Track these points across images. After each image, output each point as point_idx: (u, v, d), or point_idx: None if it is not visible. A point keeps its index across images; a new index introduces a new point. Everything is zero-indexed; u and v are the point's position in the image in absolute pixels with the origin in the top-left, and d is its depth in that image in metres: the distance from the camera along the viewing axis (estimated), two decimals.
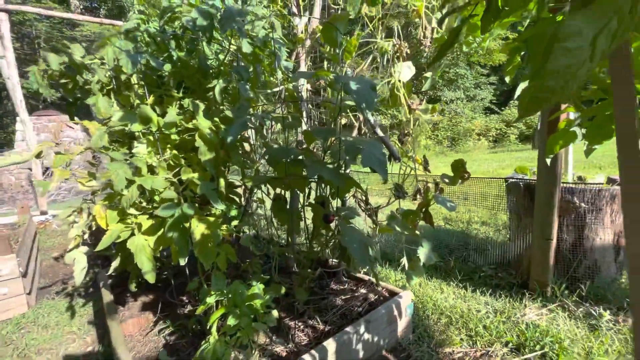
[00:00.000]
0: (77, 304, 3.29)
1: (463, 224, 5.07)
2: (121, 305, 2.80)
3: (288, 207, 2.39)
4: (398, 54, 2.51)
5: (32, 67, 2.30)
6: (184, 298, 2.82)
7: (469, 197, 4.31)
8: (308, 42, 2.98)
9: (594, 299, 2.96)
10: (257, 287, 2.18)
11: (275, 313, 2.27)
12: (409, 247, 2.29)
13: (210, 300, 2.09)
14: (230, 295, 2.12)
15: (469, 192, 4.31)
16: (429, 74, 2.66)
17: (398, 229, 2.39)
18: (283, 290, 2.42)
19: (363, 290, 2.95)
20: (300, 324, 2.57)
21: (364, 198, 2.56)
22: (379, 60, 2.67)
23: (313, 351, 2.16)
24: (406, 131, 2.47)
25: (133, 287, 2.52)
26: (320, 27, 2.42)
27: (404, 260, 2.39)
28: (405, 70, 2.51)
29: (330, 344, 2.21)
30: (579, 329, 2.61)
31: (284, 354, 2.29)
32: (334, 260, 3.19)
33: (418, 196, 2.49)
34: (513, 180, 3.48)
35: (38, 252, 4.60)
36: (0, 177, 10.05)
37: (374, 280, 3.00)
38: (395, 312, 2.64)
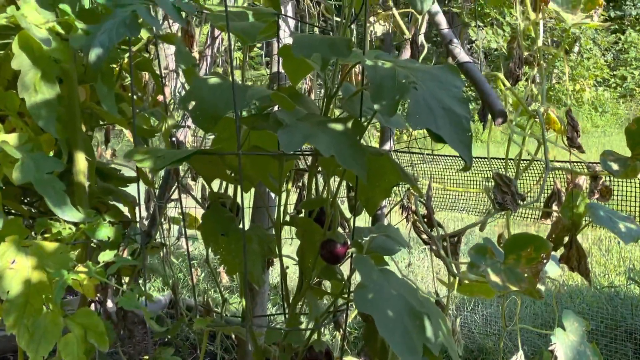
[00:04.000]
0: None
1: None
2: None
3: (241, 225, 1.17)
4: None
5: None
6: None
7: None
8: None
9: None
10: None
11: None
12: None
13: None
14: None
15: None
16: None
17: (494, 279, 1.14)
18: None
19: None
20: None
21: (421, 209, 1.33)
22: None
23: None
24: (526, 53, 1.28)
25: None
26: None
27: None
28: None
29: None
30: None
31: None
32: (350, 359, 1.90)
33: (554, 207, 1.23)
34: None
35: None
36: None
37: None
38: None
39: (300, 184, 1.67)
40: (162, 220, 1.81)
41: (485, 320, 2.79)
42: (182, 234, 1.81)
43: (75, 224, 1.08)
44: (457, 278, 1.49)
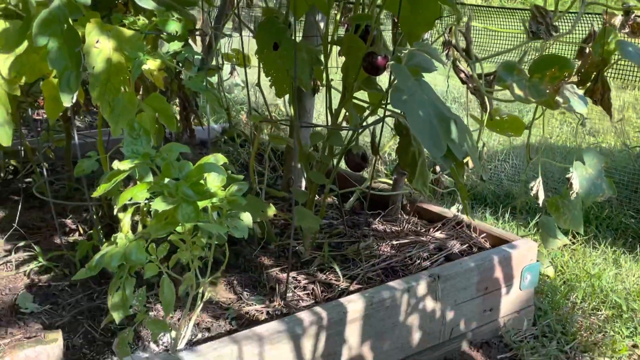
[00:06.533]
0: None
1: None
2: None
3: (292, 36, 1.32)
4: None
5: None
6: (69, 221, 1.96)
7: None
8: None
9: None
10: (214, 157, 1.15)
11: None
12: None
13: (124, 165, 1.10)
14: (159, 162, 1.11)
15: None
16: None
17: (518, 92, 1.27)
18: (272, 212, 1.39)
19: (438, 234, 1.86)
20: (302, 277, 1.65)
21: (461, 42, 1.46)
22: None
23: (318, 308, 1.33)
24: None
25: None
26: None
27: (535, 186, 1.53)
28: None
29: (353, 302, 1.38)
30: None
31: (262, 316, 1.44)
32: (383, 180, 2.14)
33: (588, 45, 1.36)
34: None
35: None
36: None
37: (465, 217, 1.89)
38: (498, 273, 1.67)
39: (347, 19, 1.79)
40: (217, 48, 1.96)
41: (515, 170, 2.95)
42: (234, 69, 1.96)
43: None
44: (488, 113, 1.62)
